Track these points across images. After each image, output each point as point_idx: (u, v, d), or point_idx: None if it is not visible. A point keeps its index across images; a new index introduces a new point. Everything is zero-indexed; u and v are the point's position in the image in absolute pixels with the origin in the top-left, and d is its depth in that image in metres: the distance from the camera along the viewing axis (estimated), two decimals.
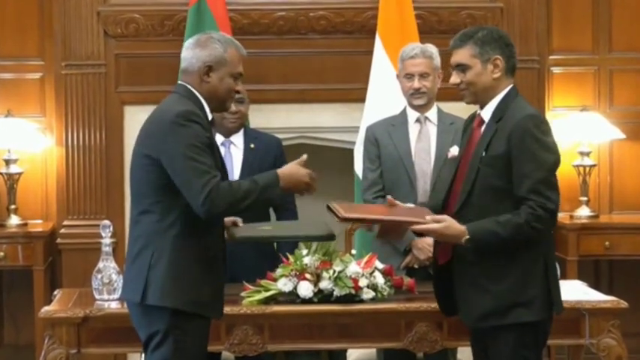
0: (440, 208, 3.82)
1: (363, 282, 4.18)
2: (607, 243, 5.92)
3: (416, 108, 4.82)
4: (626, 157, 6.28)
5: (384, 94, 5.46)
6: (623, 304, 4.28)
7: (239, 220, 3.91)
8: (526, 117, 3.64)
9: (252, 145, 4.81)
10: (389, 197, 3.91)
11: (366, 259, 4.30)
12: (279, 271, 4.24)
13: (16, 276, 6.01)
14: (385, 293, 4.23)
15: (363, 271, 4.21)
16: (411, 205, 4.05)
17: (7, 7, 6.03)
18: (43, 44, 6.03)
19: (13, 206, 5.88)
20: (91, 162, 5.88)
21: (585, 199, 6.07)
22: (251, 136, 4.88)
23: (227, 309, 4.04)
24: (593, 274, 6.19)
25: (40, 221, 6.03)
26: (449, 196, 3.80)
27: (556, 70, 6.23)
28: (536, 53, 6.01)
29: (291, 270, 4.19)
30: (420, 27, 5.66)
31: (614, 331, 4.23)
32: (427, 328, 4.21)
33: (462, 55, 3.73)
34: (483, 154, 3.67)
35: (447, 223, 3.63)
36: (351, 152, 5.68)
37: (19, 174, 5.87)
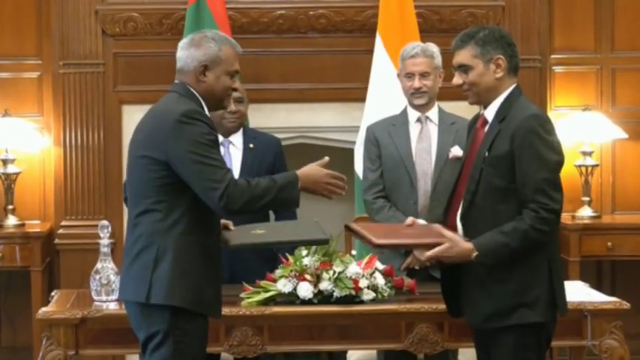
0: (442, 208, 3.83)
1: (363, 283, 4.16)
2: (609, 243, 5.90)
3: (417, 107, 4.80)
4: (629, 157, 6.26)
5: (385, 93, 5.44)
6: (626, 305, 4.26)
7: (230, 223, 3.90)
8: (530, 117, 3.63)
9: (251, 145, 4.79)
10: (410, 219, 3.90)
11: (366, 259, 4.28)
12: (278, 272, 4.22)
13: (13, 277, 6.00)
14: (386, 294, 4.21)
15: (364, 272, 4.19)
16: (422, 222, 4.03)
17: (4, 6, 6.03)
18: (40, 43, 6.03)
19: (10, 206, 5.87)
20: (89, 162, 5.87)
21: (587, 199, 6.05)
22: (250, 135, 4.86)
23: (226, 310, 4.03)
24: (596, 274, 6.18)
25: (37, 222, 6.01)
26: (452, 198, 3.79)
27: (558, 69, 6.22)
28: (538, 52, 5.99)
29: (291, 271, 4.17)
30: (420, 26, 5.65)
31: (617, 332, 4.22)
32: (428, 329, 4.19)
33: (463, 56, 3.72)
34: (486, 154, 3.66)
35: (451, 242, 3.62)
36: (351, 152, 5.67)
37: (17, 174, 5.86)
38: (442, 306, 3.97)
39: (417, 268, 4.66)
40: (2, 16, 6.02)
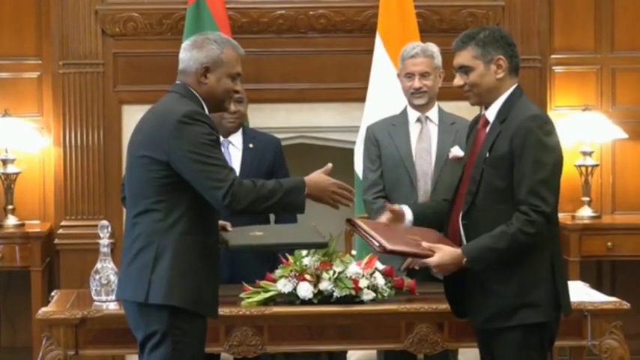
0: (442, 208, 3.85)
1: (363, 283, 4.16)
2: (609, 243, 5.90)
3: (416, 107, 4.79)
4: (629, 157, 6.26)
5: (385, 93, 5.44)
6: (626, 305, 4.26)
7: (228, 224, 3.90)
8: (529, 118, 3.63)
9: (250, 145, 4.79)
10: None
11: (366, 259, 4.28)
12: (278, 272, 4.22)
13: (13, 277, 6.00)
14: (386, 294, 4.21)
15: (364, 272, 4.19)
16: (408, 226, 4.02)
17: (4, 6, 6.03)
18: (40, 43, 6.03)
19: (10, 206, 5.87)
20: (89, 162, 5.86)
21: (587, 199, 6.05)
22: (250, 135, 4.85)
23: (226, 310, 4.03)
24: (596, 274, 6.18)
25: (37, 222, 6.01)
26: (455, 199, 3.79)
27: (558, 69, 6.21)
28: (538, 52, 5.99)
29: (291, 271, 4.16)
30: (420, 26, 5.64)
31: (617, 332, 4.21)
32: (428, 329, 4.18)
33: (464, 57, 3.72)
34: (487, 155, 3.66)
35: (441, 252, 3.64)
36: (351, 152, 5.66)
37: (17, 174, 5.86)
38: (442, 306, 3.97)
39: (416, 268, 4.65)
40: (2, 16, 6.02)
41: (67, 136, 5.86)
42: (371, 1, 5.84)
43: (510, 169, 3.61)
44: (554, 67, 6.20)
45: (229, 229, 3.90)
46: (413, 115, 4.81)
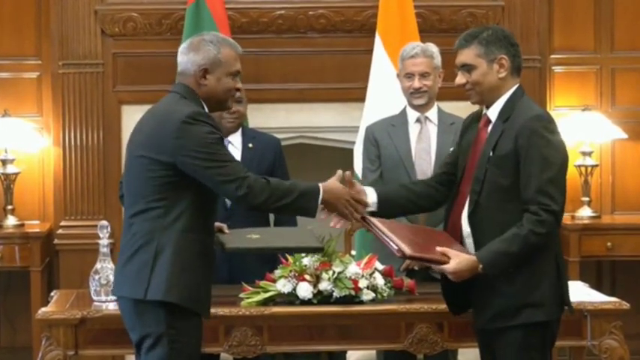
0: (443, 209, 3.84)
1: (363, 283, 4.16)
2: (609, 244, 5.90)
3: (416, 108, 4.79)
4: (629, 157, 6.26)
5: (384, 93, 5.44)
6: (625, 305, 4.26)
7: (224, 226, 3.90)
8: (534, 117, 3.64)
9: (250, 145, 4.79)
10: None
11: (366, 259, 4.27)
12: (278, 272, 4.22)
13: (13, 277, 6.00)
14: (385, 294, 4.20)
15: (363, 272, 4.18)
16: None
17: (4, 6, 6.03)
18: (40, 43, 6.03)
19: (10, 207, 5.87)
20: (89, 162, 5.86)
21: (587, 199, 6.05)
22: (249, 135, 4.85)
23: (226, 310, 4.04)
24: (595, 275, 6.18)
25: (37, 222, 6.01)
26: (455, 198, 3.79)
27: (558, 69, 6.21)
28: (538, 52, 5.99)
29: (291, 271, 4.16)
30: (420, 26, 5.64)
31: (616, 332, 4.21)
32: (428, 329, 4.18)
33: (467, 55, 3.72)
34: (491, 154, 3.66)
35: (457, 259, 3.61)
36: (351, 152, 5.66)
37: (16, 174, 5.86)
38: (442, 306, 3.96)
39: (416, 268, 4.66)
40: (2, 16, 6.02)
41: (67, 136, 5.86)
42: (371, 1, 5.84)
43: (514, 168, 3.61)
44: (553, 67, 6.19)
45: (226, 231, 3.90)
46: (412, 115, 4.81)
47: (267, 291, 4.18)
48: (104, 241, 4.30)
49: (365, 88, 5.61)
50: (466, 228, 3.72)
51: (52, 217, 5.99)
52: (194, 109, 3.55)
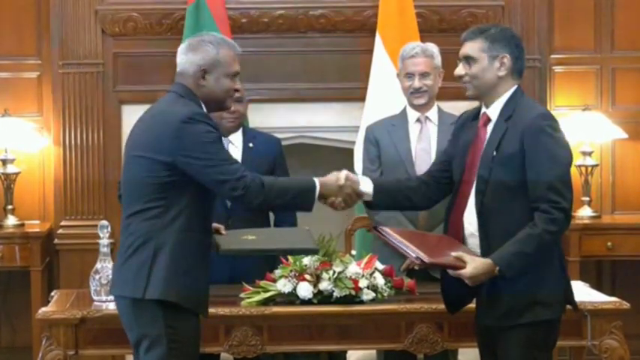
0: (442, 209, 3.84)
1: (363, 283, 4.16)
2: (609, 243, 5.90)
3: (416, 107, 4.79)
4: (629, 156, 6.26)
5: (384, 93, 5.44)
6: (626, 305, 4.26)
7: (222, 227, 3.91)
8: (539, 115, 3.65)
9: (250, 145, 4.79)
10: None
11: (366, 259, 4.27)
12: (278, 272, 4.22)
13: (13, 277, 5.99)
14: (385, 294, 4.20)
15: (363, 272, 4.18)
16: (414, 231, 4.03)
17: (4, 6, 6.03)
18: (40, 43, 6.03)
19: (10, 206, 5.86)
20: (89, 162, 5.86)
21: (587, 199, 6.05)
22: (250, 135, 4.85)
23: (226, 310, 4.03)
24: (595, 274, 6.18)
25: (37, 222, 6.01)
26: (455, 198, 3.79)
27: (558, 69, 6.21)
28: (538, 52, 6.00)
29: (291, 271, 4.16)
30: (420, 26, 5.65)
31: (617, 332, 4.21)
32: (428, 329, 4.18)
33: (470, 48, 3.74)
34: (494, 153, 3.65)
35: (473, 263, 3.60)
36: (351, 152, 5.66)
37: (16, 174, 5.85)
38: (442, 306, 3.96)
39: (416, 268, 4.65)
40: (2, 16, 6.02)
41: (67, 136, 5.86)
42: (371, 1, 5.84)
43: (521, 167, 3.61)
44: (554, 67, 6.19)
45: (223, 232, 3.90)
46: (412, 115, 4.81)
47: (267, 291, 4.18)
48: (104, 241, 4.30)
49: (365, 88, 5.61)
50: (468, 228, 3.72)
51: (52, 216, 5.99)
52: (193, 108, 3.56)
